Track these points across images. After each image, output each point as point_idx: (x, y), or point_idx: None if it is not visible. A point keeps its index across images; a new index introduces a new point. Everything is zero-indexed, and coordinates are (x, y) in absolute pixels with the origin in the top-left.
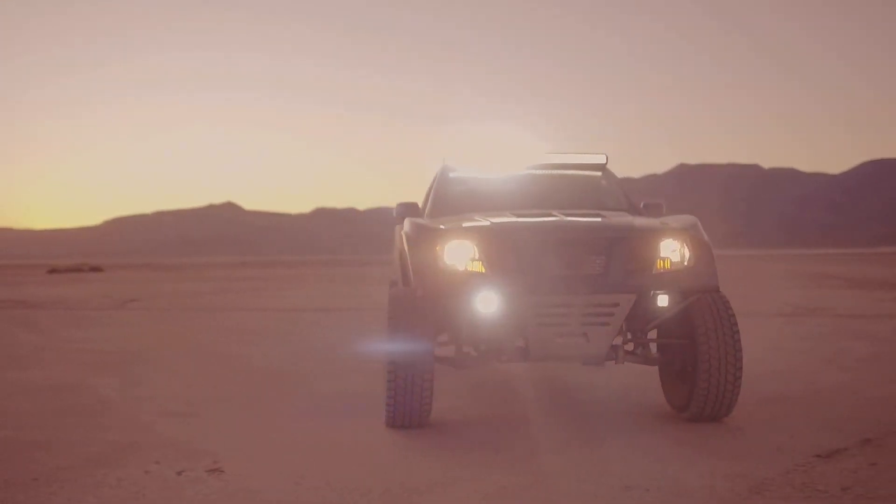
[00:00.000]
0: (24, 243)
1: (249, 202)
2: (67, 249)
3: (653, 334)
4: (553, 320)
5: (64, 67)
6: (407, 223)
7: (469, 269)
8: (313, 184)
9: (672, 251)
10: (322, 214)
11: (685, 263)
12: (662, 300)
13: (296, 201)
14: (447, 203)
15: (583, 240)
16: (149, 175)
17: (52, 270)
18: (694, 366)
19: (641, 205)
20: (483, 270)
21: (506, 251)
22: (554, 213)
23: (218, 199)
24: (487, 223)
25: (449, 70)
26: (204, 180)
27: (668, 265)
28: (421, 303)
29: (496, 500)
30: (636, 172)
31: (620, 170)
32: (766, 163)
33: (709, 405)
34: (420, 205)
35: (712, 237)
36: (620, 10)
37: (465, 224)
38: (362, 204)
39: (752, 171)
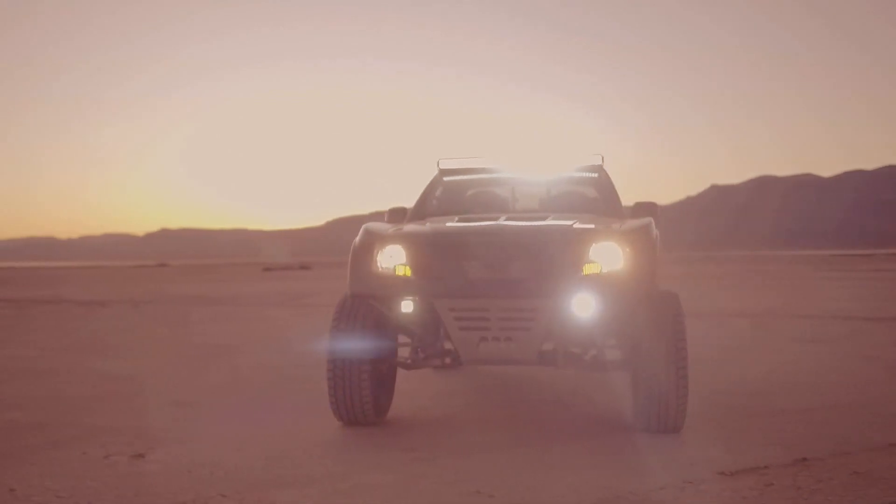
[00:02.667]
0: (254, 243)
1: None
2: (293, 249)
3: (610, 340)
4: (474, 324)
5: (289, 72)
6: (362, 229)
7: (398, 272)
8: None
9: (604, 255)
10: None
11: (616, 267)
12: (587, 305)
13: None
14: (429, 207)
15: (507, 244)
16: (365, 177)
17: (267, 269)
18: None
19: (633, 205)
20: (409, 274)
21: (431, 256)
22: (501, 216)
23: None
24: (419, 228)
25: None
26: (417, 182)
27: (597, 269)
28: (358, 304)
29: (342, 497)
30: (870, 164)
31: (850, 162)
32: None
33: (653, 418)
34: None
35: None
36: None
37: (404, 229)
38: None
39: None
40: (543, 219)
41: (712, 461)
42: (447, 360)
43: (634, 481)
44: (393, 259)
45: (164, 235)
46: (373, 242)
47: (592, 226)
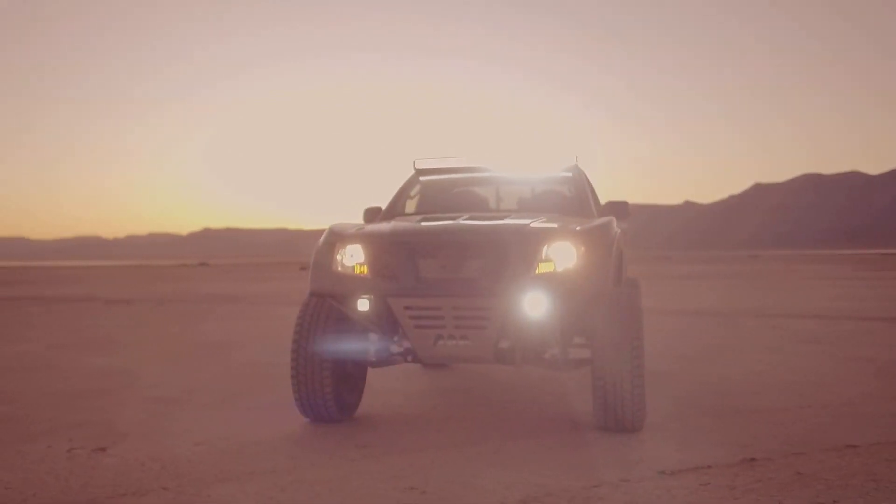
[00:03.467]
0: (296, 241)
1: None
2: None
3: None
4: (428, 323)
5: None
6: (327, 229)
7: (356, 271)
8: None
9: (558, 254)
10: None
11: (570, 266)
12: (539, 304)
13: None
14: (402, 207)
15: (460, 244)
16: (403, 174)
17: (303, 268)
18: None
19: (603, 204)
20: (366, 273)
21: (387, 255)
22: (462, 216)
23: None
24: (379, 228)
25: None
26: None
27: (550, 268)
28: (321, 304)
29: (278, 492)
30: None
31: None
32: None
33: (609, 417)
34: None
35: None
36: None
37: (365, 229)
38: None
39: None
40: (502, 218)
41: (659, 460)
42: (409, 358)
43: (572, 479)
44: (353, 258)
45: (207, 235)
46: (334, 242)
47: (548, 225)
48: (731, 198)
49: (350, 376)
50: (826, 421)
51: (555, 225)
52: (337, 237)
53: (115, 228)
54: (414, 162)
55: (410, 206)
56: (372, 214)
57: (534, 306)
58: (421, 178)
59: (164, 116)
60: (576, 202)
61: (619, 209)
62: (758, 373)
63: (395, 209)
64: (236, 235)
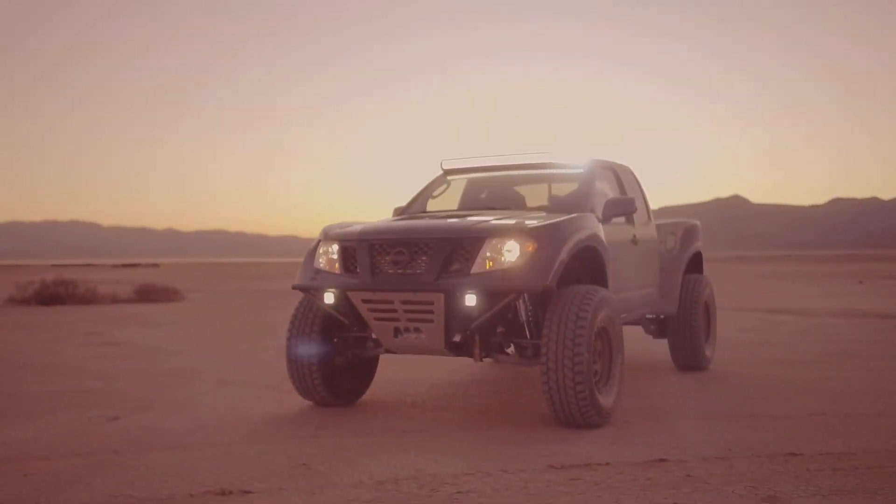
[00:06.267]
0: None
1: (757, 195)
2: None
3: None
4: (385, 315)
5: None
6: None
7: (332, 268)
8: (829, 173)
9: (502, 251)
10: (838, 205)
11: (510, 263)
12: (471, 299)
13: (809, 192)
14: (420, 205)
15: (410, 242)
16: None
17: None
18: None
19: (608, 201)
20: (337, 269)
21: (354, 252)
22: (436, 214)
23: (725, 192)
24: (353, 227)
25: None
26: (711, 174)
27: (489, 265)
28: (310, 301)
29: (203, 460)
30: None
31: None
32: None
33: (558, 412)
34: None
35: None
36: None
37: (345, 229)
38: (886, 193)
39: None
40: (464, 217)
41: (569, 456)
42: (384, 349)
43: (459, 466)
44: (330, 256)
45: None
46: (319, 240)
47: (500, 223)
48: None
49: (354, 364)
50: (820, 429)
51: (511, 222)
52: (323, 236)
53: None
54: (441, 162)
55: (443, 204)
56: (397, 214)
57: (477, 302)
58: (447, 178)
59: (420, 119)
60: (582, 198)
61: (620, 207)
62: (829, 379)
63: (411, 208)
64: None
